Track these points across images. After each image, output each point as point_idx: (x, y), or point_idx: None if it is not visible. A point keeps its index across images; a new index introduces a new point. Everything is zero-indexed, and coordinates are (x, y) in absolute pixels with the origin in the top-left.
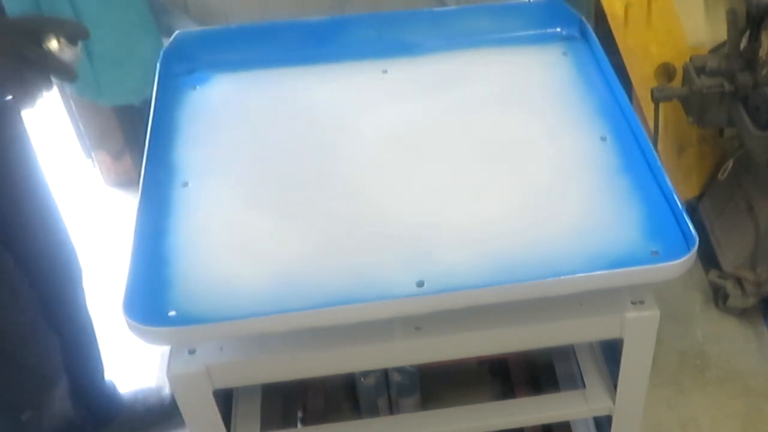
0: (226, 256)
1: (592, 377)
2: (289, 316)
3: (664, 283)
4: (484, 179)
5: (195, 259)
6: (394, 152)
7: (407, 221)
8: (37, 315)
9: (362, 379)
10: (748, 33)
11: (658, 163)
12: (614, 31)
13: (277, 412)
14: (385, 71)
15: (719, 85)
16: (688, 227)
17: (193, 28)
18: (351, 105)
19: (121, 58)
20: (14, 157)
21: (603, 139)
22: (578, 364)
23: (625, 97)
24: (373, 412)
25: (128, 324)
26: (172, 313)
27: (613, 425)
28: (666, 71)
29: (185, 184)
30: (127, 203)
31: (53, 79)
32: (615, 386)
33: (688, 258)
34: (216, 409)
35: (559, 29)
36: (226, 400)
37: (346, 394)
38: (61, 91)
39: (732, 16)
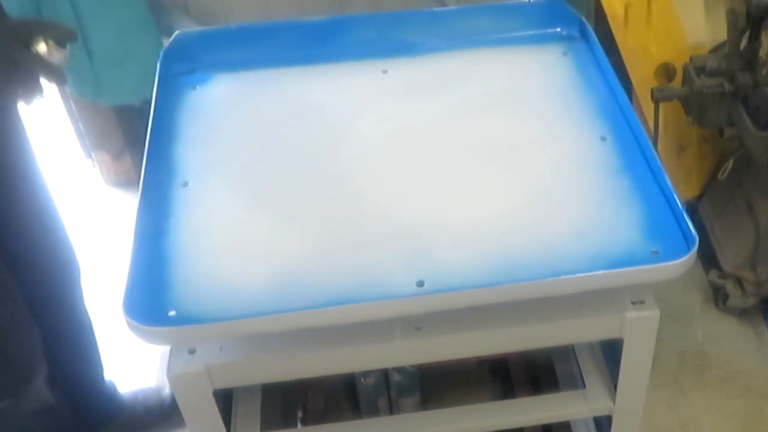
0: (226, 256)
1: (592, 377)
2: (289, 316)
3: (664, 283)
4: (484, 179)
5: (195, 259)
6: (394, 152)
7: (407, 221)
8: (21, 309)
9: (362, 379)
10: (748, 33)
11: (658, 163)
12: (614, 31)
13: (277, 412)
14: (385, 71)
15: (719, 85)
16: (688, 227)
17: (193, 28)
18: (351, 105)
19: (121, 58)
20: (12, 157)
21: (603, 139)
22: (578, 364)
23: (625, 97)
24: (373, 412)
25: (128, 324)
26: (172, 313)
27: (613, 425)
28: (666, 71)
29: (185, 184)
30: (127, 203)
31: (45, 81)
32: (615, 386)
33: (688, 258)
34: (216, 409)
35: (559, 29)
36: (226, 400)
37: (346, 394)
38: (61, 91)
39: (732, 16)
